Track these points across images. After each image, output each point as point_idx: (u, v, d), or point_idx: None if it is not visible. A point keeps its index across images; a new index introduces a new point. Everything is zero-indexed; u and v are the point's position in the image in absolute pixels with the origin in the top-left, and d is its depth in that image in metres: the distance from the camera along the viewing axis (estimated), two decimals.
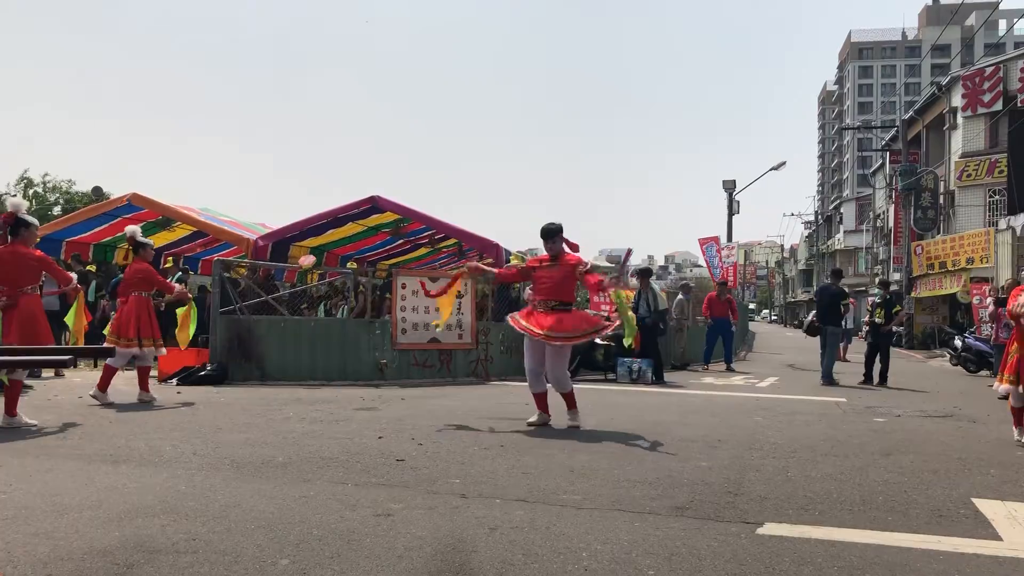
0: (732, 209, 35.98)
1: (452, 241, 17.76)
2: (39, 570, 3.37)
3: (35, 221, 7.60)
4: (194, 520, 4.12)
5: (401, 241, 18.58)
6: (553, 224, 7.72)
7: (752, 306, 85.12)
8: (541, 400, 7.80)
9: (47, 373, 11.57)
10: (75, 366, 12.33)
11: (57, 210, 34.70)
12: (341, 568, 3.47)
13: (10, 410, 6.99)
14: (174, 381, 10.93)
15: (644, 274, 14.87)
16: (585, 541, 3.92)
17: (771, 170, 35.62)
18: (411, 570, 3.47)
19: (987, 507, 4.80)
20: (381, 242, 18.41)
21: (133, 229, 9.39)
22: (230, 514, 4.25)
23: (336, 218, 15.52)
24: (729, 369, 17.15)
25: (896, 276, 37.33)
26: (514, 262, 10.73)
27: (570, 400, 7.79)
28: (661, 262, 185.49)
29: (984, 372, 16.48)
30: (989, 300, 16.19)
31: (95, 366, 13.53)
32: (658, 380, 13.44)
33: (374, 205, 14.80)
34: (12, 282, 7.20)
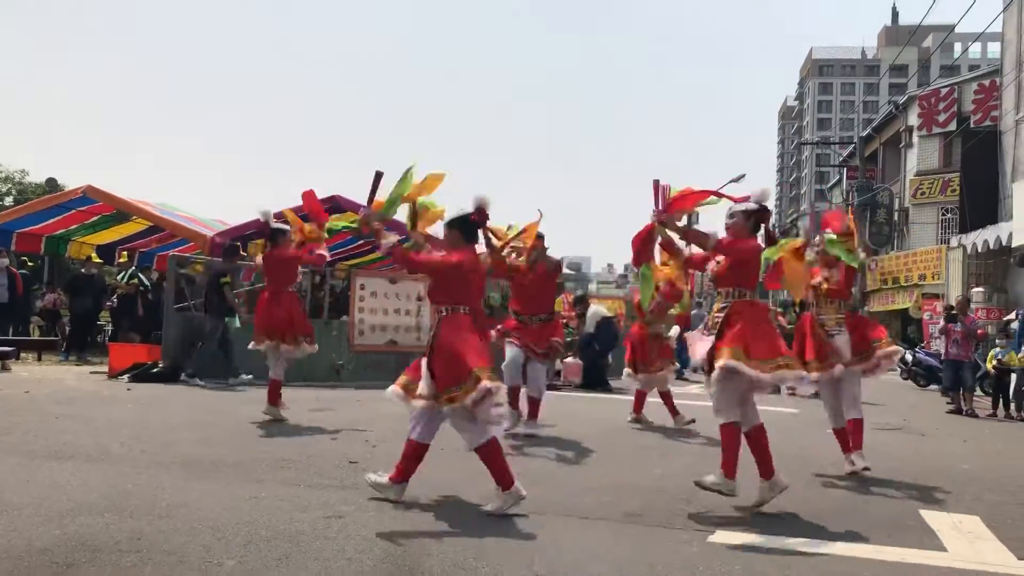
0: (692, 220, 36.30)
1: (413, 243, 17.72)
2: None
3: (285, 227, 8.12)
4: (139, 519, 4.03)
5: (361, 242, 18.46)
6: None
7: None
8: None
9: None
10: (17, 358, 12.17)
11: (9, 200, 33.88)
12: (288, 570, 3.42)
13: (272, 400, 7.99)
14: (125, 377, 10.71)
15: (579, 301, 15.08)
16: (536, 546, 3.91)
17: (730, 182, 35.87)
18: (361, 573, 3.44)
19: (934, 519, 4.88)
20: (341, 242, 18.25)
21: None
22: (177, 513, 4.17)
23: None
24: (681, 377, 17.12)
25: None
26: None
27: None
28: (621, 270, 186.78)
29: (933, 386, 16.78)
30: (940, 316, 16.51)
31: (39, 360, 13.25)
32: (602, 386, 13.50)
33: (335, 205, 14.67)
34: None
